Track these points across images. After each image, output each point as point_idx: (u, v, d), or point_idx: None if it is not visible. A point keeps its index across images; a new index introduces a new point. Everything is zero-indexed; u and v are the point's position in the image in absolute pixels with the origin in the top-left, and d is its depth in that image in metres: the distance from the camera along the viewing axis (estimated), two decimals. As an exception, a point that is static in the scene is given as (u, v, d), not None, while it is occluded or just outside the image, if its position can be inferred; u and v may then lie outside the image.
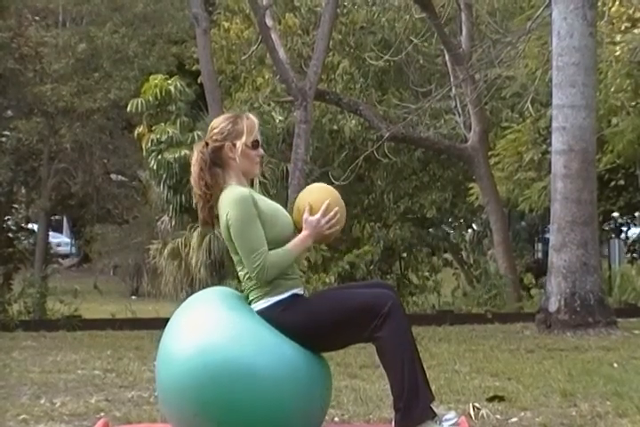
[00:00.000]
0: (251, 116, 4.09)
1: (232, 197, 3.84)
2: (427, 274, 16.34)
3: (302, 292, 3.96)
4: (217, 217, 3.97)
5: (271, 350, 3.74)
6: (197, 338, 3.75)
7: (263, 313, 3.85)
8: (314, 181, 15.28)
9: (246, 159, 3.99)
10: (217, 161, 3.98)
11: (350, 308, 3.81)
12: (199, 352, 3.70)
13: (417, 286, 16.11)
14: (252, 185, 4.11)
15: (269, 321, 3.82)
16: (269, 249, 3.82)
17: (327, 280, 12.67)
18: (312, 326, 3.80)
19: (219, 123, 4.03)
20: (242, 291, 4.02)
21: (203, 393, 3.66)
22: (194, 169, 3.97)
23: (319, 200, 3.91)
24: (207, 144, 3.99)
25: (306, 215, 3.90)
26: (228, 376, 3.66)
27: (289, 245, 3.88)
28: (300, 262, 11.99)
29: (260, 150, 4.04)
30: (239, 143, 3.96)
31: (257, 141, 4.02)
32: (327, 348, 3.97)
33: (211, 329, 3.76)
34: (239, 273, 3.97)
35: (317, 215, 3.89)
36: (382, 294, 3.85)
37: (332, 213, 3.91)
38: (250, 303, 3.92)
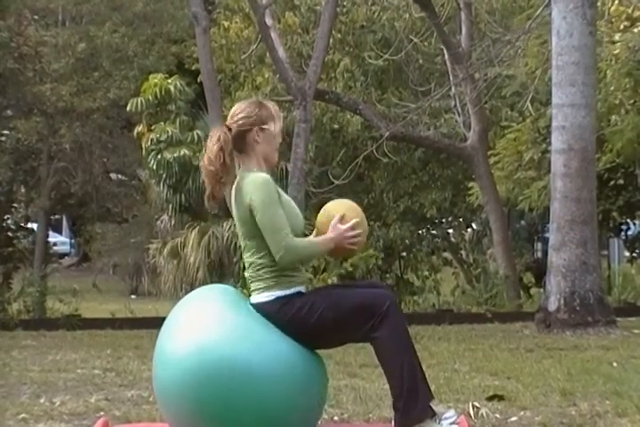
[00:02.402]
0: (271, 102, 4.09)
1: (257, 180, 3.83)
2: (426, 273, 16.33)
3: (304, 290, 3.95)
4: (223, 198, 3.98)
5: (268, 348, 3.74)
6: (194, 336, 3.75)
7: (262, 307, 3.84)
8: (313, 181, 15.36)
9: (269, 145, 4.00)
10: (240, 145, 3.96)
11: (348, 307, 3.80)
12: (196, 350, 3.70)
13: (416, 286, 16.10)
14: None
15: (267, 316, 3.82)
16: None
17: (329, 281, 12.66)
18: (309, 323, 3.80)
19: (244, 107, 4.01)
20: (241, 286, 4.02)
21: (199, 391, 3.66)
22: (212, 148, 3.90)
23: (351, 215, 3.95)
24: (229, 129, 3.96)
25: (335, 221, 3.89)
26: (224, 374, 3.66)
27: (314, 239, 3.91)
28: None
29: (280, 138, 4.04)
30: (272, 127, 3.98)
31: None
32: (323, 345, 3.96)
33: (207, 327, 3.76)
34: (246, 260, 3.94)
35: (347, 226, 3.89)
36: (381, 294, 3.85)
37: (358, 231, 3.92)
38: (250, 294, 3.91)
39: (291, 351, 3.78)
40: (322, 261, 13.15)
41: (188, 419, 3.76)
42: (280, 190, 3.94)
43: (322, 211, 4.02)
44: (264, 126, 3.97)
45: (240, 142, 3.96)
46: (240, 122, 3.96)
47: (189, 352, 3.71)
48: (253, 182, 3.83)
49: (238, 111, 4.00)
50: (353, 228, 3.88)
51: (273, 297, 3.85)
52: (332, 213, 3.94)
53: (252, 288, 3.92)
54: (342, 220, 3.90)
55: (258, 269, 3.89)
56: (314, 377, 3.87)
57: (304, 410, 3.83)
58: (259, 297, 3.88)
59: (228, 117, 4.04)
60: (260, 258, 3.87)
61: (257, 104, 4.03)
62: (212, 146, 3.93)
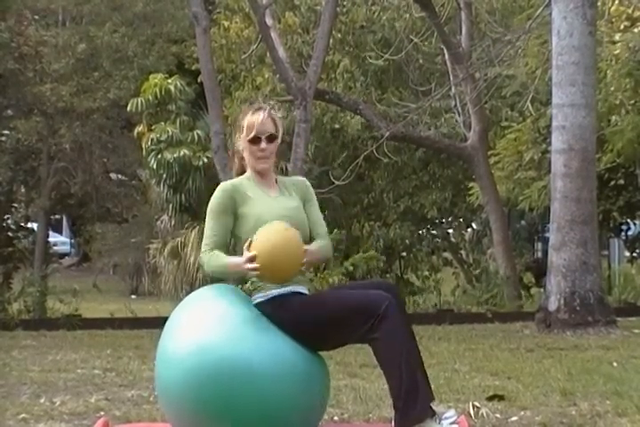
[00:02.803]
0: (262, 110, 4.11)
1: (218, 188, 4.02)
2: (426, 273, 16.33)
3: (303, 290, 3.96)
4: None
5: (269, 348, 3.74)
6: (196, 336, 3.75)
7: (261, 306, 3.89)
8: (313, 181, 15.34)
9: (249, 154, 4.08)
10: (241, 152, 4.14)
11: (345, 308, 3.81)
12: (198, 350, 3.71)
13: (417, 286, 16.11)
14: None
15: (267, 315, 3.85)
16: (235, 243, 3.97)
17: (330, 280, 12.67)
18: (307, 323, 3.81)
19: (239, 112, 4.19)
20: (242, 287, 4.04)
21: (201, 391, 3.67)
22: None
23: (257, 245, 3.78)
24: None
25: (245, 245, 3.82)
26: (226, 374, 3.66)
27: (227, 260, 3.91)
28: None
29: (262, 145, 4.06)
30: (243, 136, 4.07)
31: (257, 137, 4.04)
32: (321, 346, 3.96)
33: (209, 327, 3.77)
34: None
35: (244, 257, 3.79)
36: (378, 295, 3.82)
37: (254, 265, 3.75)
38: (250, 294, 3.95)
39: (292, 351, 3.79)
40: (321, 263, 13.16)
41: (190, 419, 3.76)
42: (258, 196, 3.99)
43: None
44: (240, 135, 4.09)
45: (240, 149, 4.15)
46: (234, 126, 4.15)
47: (191, 352, 3.71)
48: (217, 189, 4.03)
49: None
50: (252, 259, 3.76)
51: (270, 296, 3.89)
52: (253, 239, 3.83)
53: (251, 288, 3.96)
54: (250, 247, 3.81)
55: None
56: (315, 377, 3.88)
57: (305, 410, 3.83)
58: (257, 297, 3.93)
59: None
60: None
61: (242, 114, 4.14)
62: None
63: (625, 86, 12.56)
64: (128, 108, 15.24)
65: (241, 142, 4.09)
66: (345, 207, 16.25)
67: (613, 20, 12.93)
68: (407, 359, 3.75)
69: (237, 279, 3.99)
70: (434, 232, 17.71)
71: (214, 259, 3.92)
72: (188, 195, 14.37)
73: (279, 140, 4.15)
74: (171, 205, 14.71)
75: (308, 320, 3.81)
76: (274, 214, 3.91)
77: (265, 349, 3.73)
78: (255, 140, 4.05)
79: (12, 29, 16.79)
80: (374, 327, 3.75)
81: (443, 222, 18.04)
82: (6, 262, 13.64)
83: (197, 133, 14.61)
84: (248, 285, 3.99)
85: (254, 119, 4.07)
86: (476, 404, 5.13)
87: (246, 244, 3.81)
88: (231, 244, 4.03)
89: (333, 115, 16.10)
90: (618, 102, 12.70)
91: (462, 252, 17.75)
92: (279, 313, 3.84)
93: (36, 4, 19.35)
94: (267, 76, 16.82)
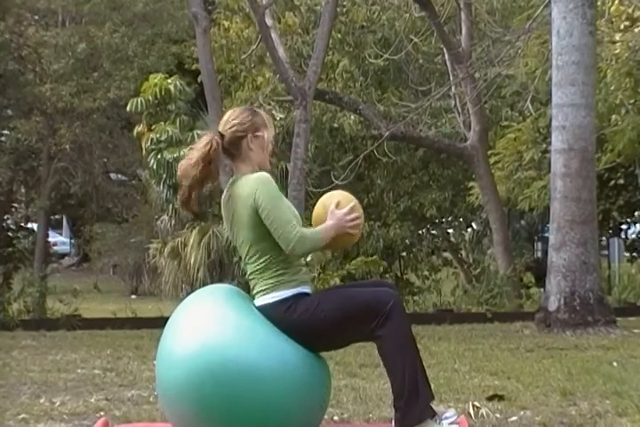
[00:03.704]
0: (262, 110, 4.17)
1: (262, 177, 3.87)
2: (426, 273, 16.34)
3: (308, 290, 3.95)
4: (200, 204, 4.06)
5: (271, 349, 3.74)
6: (198, 336, 3.75)
7: (265, 309, 3.85)
8: (314, 180, 15.36)
9: (262, 152, 4.03)
10: (233, 152, 4.00)
11: (352, 306, 3.81)
12: (199, 351, 3.70)
13: (417, 286, 16.12)
14: None
15: (271, 317, 3.83)
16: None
17: (331, 282, 12.67)
18: (314, 323, 3.80)
19: (237, 114, 4.04)
20: (243, 287, 4.03)
21: (203, 392, 3.66)
22: (196, 154, 3.92)
23: (346, 201, 4.02)
24: (222, 135, 3.99)
25: (332, 207, 3.95)
26: (227, 375, 3.66)
27: (316, 228, 3.93)
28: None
29: (272, 145, 4.09)
30: (265, 134, 4.01)
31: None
32: (329, 346, 3.97)
33: (211, 327, 3.76)
34: (248, 265, 3.95)
35: (344, 210, 3.95)
36: (385, 292, 3.85)
37: (356, 214, 3.97)
38: (253, 297, 3.93)
39: (294, 352, 3.79)
40: (322, 261, 13.16)
41: (192, 420, 3.76)
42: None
43: (317, 204, 4.07)
44: (257, 133, 4.00)
45: (233, 149, 4.00)
46: (234, 128, 4.00)
47: (193, 353, 3.71)
48: (259, 179, 3.85)
49: (232, 118, 4.03)
50: (351, 212, 3.94)
51: (277, 299, 3.86)
52: (327, 203, 4.00)
53: (255, 291, 3.92)
54: (338, 206, 3.95)
55: (261, 273, 3.89)
56: (317, 378, 3.88)
57: (306, 411, 3.83)
58: (262, 299, 3.89)
59: (221, 124, 4.06)
60: (263, 261, 3.88)
61: (250, 111, 4.07)
62: (197, 151, 3.95)
63: (625, 86, 12.56)
64: (128, 108, 15.24)
65: (262, 141, 4.00)
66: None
67: (613, 19, 12.92)
68: (410, 358, 3.77)
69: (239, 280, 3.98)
70: (434, 232, 17.72)
71: (305, 230, 3.84)
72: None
73: None
74: (171, 205, 14.70)
75: (316, 321, 3.80)
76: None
77: (266, 349, 3.73)
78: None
79: (12, 30, 16.79)
80: (380, 324, 3.77)
81: (443, 222, 18.04)
82: (6, 262, 13.65)
83: (197, 133, 14.58)
84: (252, 287, 3.98)
85: (269, 117, 4.10)
86: (476, 404, 5.12)
87: (332, 204, 3.94)
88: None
89: (332, 115, 16.10)
90: (618, 102, 12.71)
91: (462, 252, 17.75)
92: (287, 315, 3.81)
93: (36, 4, 19.32)
94: (267, 76, 16.83)
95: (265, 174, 3.89)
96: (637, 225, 16.13)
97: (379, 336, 3.79)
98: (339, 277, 13.11)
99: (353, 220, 3.95)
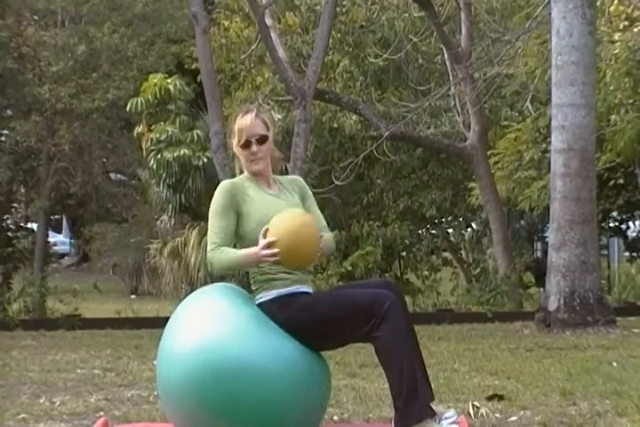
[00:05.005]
0: (250, 112, 4.09)
1: (219, 185, 4.03)
2: (426, 273, 16.33)
3: (307, 289, 3.96)
4: None
5: (271, 348, 3.75)
6: (198, 336, 3.76)
7: (264, 306, 3.91)
8: (313, 180, 15.35)
9: (241, 157, 4.10)
10: None
11: (347, 307, 3.82)
12: (200, 350, 3.71)
13: (416, 286, 16.11)
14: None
15: (269, 314, 3.86)
16: (237, 242, 3.95)
17: (330, 281, 12.68)
18: (309, 322, 3.82)
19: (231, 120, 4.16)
20: (243, 286, 4.05)
21: (203, 390, 3.67)
22: None
23: (274, 232, 3.78)
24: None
25: (260, 236, 3.84)
26: (228, 373, 3.67)
27: (239, 251, 3.91)
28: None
29: (253, 148, 4.04)
30: (234, 141, 4.09)
31: (248, 141, 4.04)
32: (324, 346, 3.97)
33: (211, 327, 3.77)
34: None
35: (262, 243, 3.80)
36: (381, 294, 3.84)
37: (274, 251, 3.75)
38: (253, 294, 3.97)
39: (294, 351, 3.80)
40: (322, 261, 13.16)
41: (192, 418, 3.77)
42: (259, 194, 4.00)
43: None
44: (232, 140, 4.11)
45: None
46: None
47: (192, 352, 3.72)
48: (218, 187, 4.04)
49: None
50: (269, 245, 3.78)
51: (272, 296, 3.90)
52: (271, 222, 3.83)
53: (253, 288, 3.98)
54: (265, 234, 3.82)
55: (256, 271, 3.96)
56: (317, 377, 3.89)
57: (307, 410, 3.84)
58: (259, 297, 3.94)
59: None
60: None
61: (235, 118, 4.12)
62: None
63: (624, 86, 12.57)
64: (127, 108, 15.21)
65: (234, 147, 4.09)
66: (344, 207, 16.26)
67: (613, 19, 12.94)
68: (408, 359, 3.76)
69: (241, 279, 3.99)
70: (433, 232, 17.71)
71: (225, 254, 3.89)
72: (187, 195, 14.35)
73: (271, 140, 4.11)
74: (170, 205, 14.69)
75: (311, 319, 3.82)
76: (277, 211, 3.90)
77: (267, 348, 3.74)
78: (246, 144, 4.05)
79: (12, 29, 16.78)
80: (376, 326, 3.76)
81: (442, 222, 18.04)
82: (6, 262, 13.66)
83: (197, 133, 14.58)
84: (252, 284, 4.01)
85: (243, 123, 4.06)
86: (476, 404, 5.12)
87: (262, 231, 3.81)
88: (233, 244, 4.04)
89: (332, 115, 16.10)
90: (617, 102, 12.72)
91: (462, 251, 17.75)
92: (283, 312, 3.84)
93: (36, 4, 19.31)
94: (266, 75, 16.82)
95: (222, 183, 4.03)
96: (637, 223, 16.13)
97: (375, 338, 3.79)
98: (338, 275, 13.12)
99: (268, 256, 3.77)
